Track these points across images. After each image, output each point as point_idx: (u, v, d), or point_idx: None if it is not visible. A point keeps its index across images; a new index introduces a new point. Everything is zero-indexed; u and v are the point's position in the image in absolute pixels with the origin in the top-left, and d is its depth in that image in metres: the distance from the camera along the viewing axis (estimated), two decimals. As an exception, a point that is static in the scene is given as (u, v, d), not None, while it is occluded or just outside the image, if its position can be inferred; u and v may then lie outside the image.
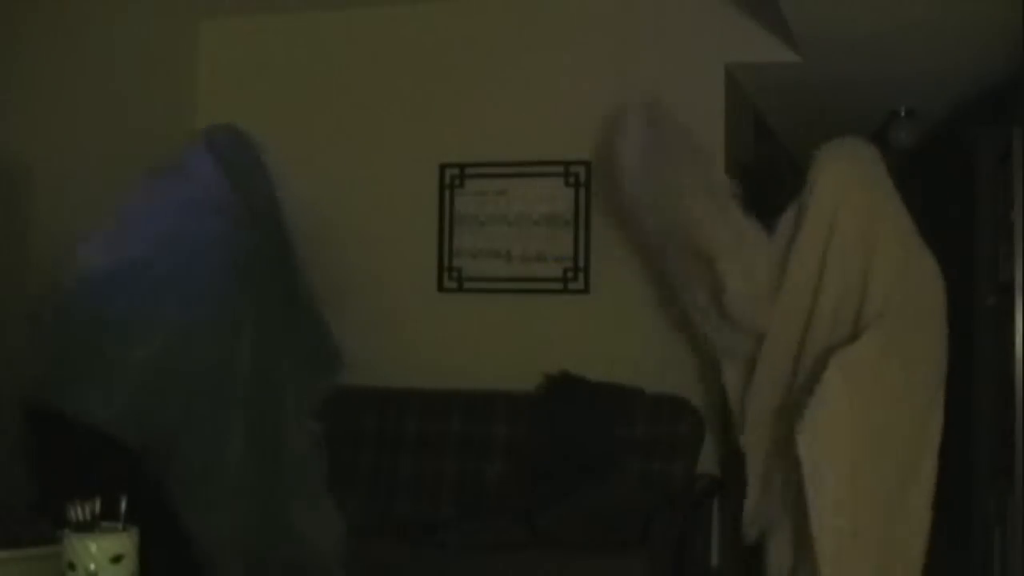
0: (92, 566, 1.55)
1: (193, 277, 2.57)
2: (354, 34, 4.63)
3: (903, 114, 5.35)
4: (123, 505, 1.64)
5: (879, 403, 3.10)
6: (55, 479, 2.31)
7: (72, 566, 1.56)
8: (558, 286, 4.33)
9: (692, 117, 4.22)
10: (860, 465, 3.06)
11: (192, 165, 2.80)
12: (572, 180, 4.32)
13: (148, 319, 2.47)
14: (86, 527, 1.60)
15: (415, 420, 4.15)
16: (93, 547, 1.56)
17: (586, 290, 4.31)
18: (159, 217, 2.63)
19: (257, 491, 2.56)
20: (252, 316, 2.67)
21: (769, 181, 4.55)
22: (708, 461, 4.03)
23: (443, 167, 4.48)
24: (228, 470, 2.52)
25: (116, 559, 1.57)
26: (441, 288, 4.48)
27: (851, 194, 3.36)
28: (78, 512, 1.61)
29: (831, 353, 3.18)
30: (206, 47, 4.80)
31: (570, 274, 4.32)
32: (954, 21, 3.77)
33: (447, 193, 4.48)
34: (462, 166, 4.46)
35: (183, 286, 2.54)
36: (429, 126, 4.51)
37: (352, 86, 4.63)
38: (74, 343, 2.47)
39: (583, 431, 3.92)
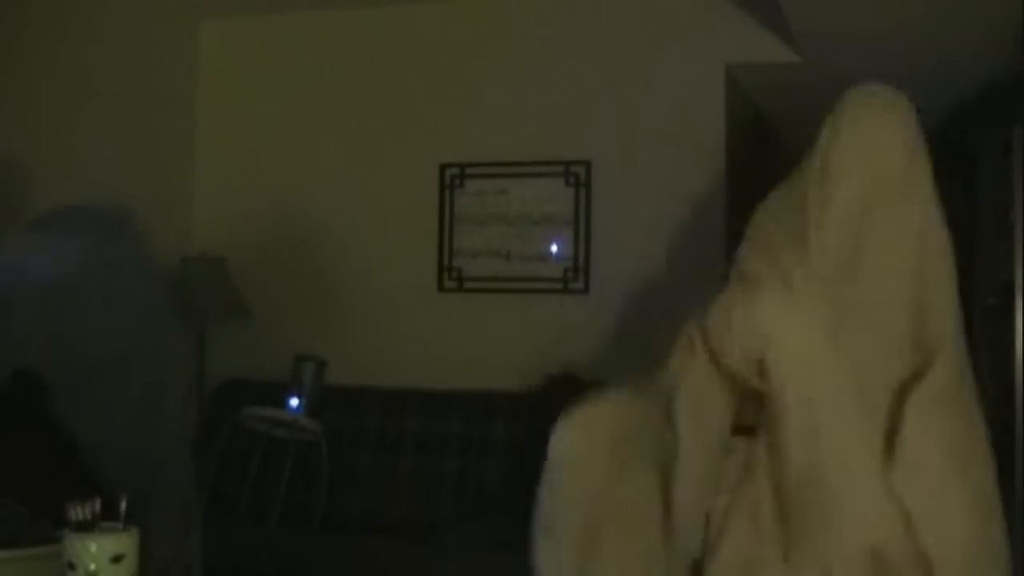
0: (92, 566, 1.55)
1: (127, 297, 2.77)
2: (354, 34, 4.64)
3: (903, 114, 5.34)
4: (123, 505, 1.64)
5: (965, 432, 2.40)
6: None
7: (72, 566, 1.56)
8: (558, 286, 4.34)
9: (692, 117, 4.23)
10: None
11: (71, 225, 3.07)
12: (572, 180, 4.32)
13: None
14: (86, 527, 1.60)
15: (415, 420, 4.15)
16: (93, 547, 1.56)
17: (586, 290, 4.31)
18: (73, 246, 2.88)
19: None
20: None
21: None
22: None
23: (443, 167, 4.48)
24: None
25: (116, 559, 1.57)
26: (441, 288, 4.48)
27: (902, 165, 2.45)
28: (78, 512, 1.61)
29: (903, 394, 2.29)
30: (206, 47, 4.81)
31: (570, 274, 4.32)
32: (954, 21, 3.77)
33: (447, 193, 4.48)
34: (462, 166, 4.46)
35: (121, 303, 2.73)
36: (429, 126, 4.52)
37: (352, 86, 4.63)
38: None
39: (583, 431, 3.92)
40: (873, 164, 2.41)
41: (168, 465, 2.89)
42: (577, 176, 4.32)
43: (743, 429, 2.15)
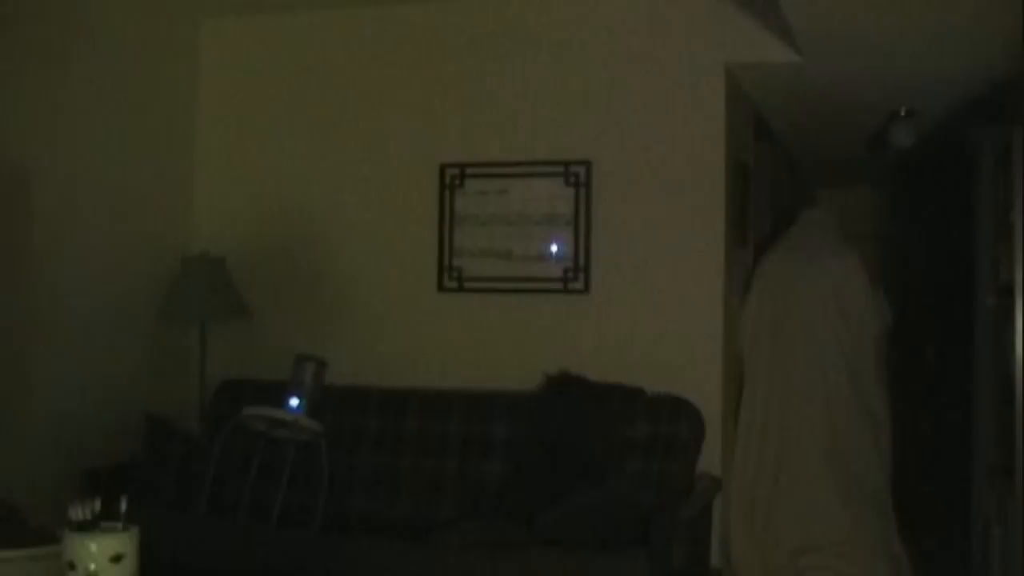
0: (92, 566, 1.55)
1: None
2: (354, 34, 4.63)
3: (903, 114, 5.35)
4: (123, 505, 1.64)
5: None
6: None
7: (72, 566, 1.56)
8: (558, 286, 4.33)
9: (692, 117, 4.23)
10: None
11: None
12: (572, 180, 4.32)
13: None
14: (86, 527, 1.60)
15: (415, 420, 4.15)
16: (93, 547, 1.56)
17: (586, 290, 4.31)
18: None
19: None
20: None
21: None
22: (708, 461, 4.04)
23: (443, 167, 4.48)
24: None
25: (116, 559, 1.57)
26: (441, 288, 4.48)
27: None
28: (78, 512, 1.61)
29: None
30: (206, 47, 4.81)
31: (570, 274, 4.32)
32: (954, 21, 3.77)
33: (447, 193, 4.48)
34: (462, 166, 4.46)
35: None
36: (429, 126, 4.52)
37: (352, 86, 4.63)
38: None
39: (583, 431, 3.92)
40: None
41: None
42: (577, 176, 4.31)
43: None
